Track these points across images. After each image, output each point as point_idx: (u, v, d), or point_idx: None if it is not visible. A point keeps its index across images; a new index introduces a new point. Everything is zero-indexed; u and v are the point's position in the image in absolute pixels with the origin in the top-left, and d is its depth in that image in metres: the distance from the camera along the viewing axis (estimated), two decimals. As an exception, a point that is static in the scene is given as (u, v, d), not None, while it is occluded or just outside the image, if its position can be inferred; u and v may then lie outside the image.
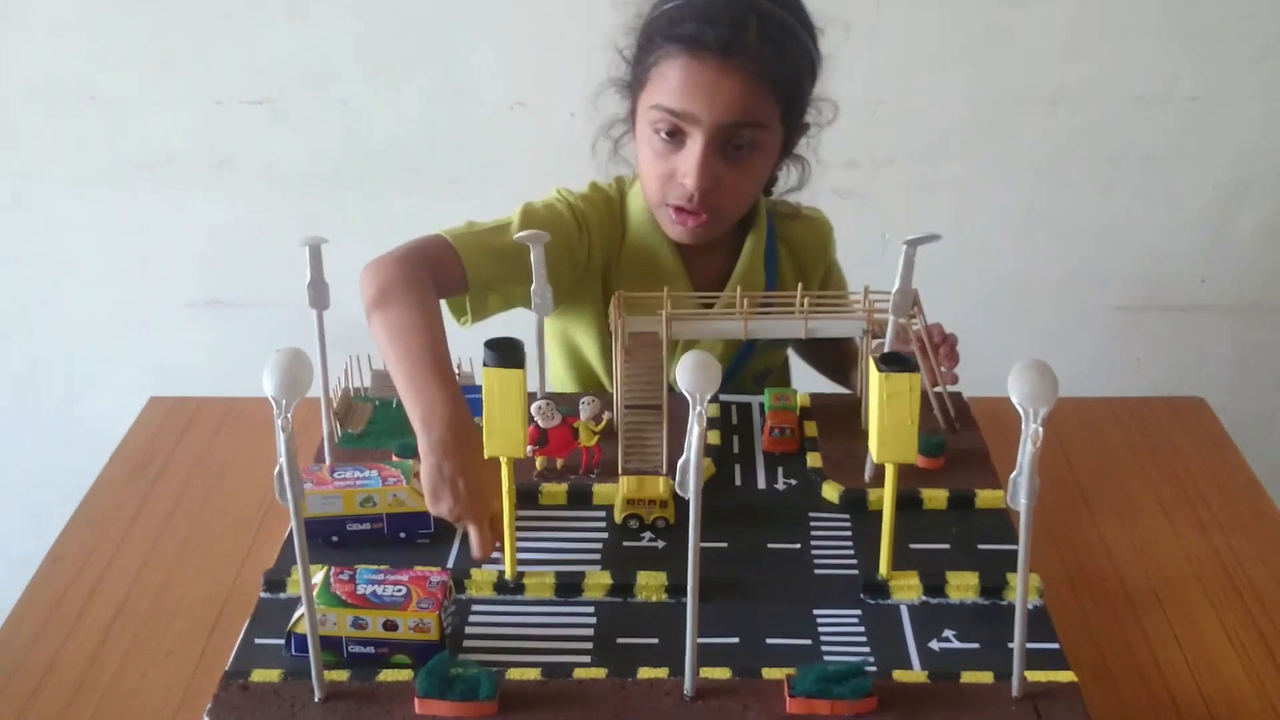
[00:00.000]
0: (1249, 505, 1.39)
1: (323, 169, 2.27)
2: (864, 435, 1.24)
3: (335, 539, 1.20)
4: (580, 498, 1.28)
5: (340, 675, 1.01)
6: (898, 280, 1.27)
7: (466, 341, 1.32)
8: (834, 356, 1.72)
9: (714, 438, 1.38)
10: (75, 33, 2.18)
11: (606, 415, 1.33)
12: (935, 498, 1.27)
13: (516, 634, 1.10)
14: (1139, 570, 1.27)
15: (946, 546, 1.21)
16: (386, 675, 1.01)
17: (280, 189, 2.29)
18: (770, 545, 1.22)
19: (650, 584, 1.14)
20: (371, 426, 1.39)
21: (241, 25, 2.17)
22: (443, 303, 1.38)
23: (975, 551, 1.20)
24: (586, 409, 1.31)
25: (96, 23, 2.17)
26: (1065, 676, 1.01)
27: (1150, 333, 2.46)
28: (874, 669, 1.03)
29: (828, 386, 1.73)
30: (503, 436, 1.07)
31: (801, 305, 1.34)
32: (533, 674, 1.01)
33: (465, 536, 1.22)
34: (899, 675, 1.02)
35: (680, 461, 0.91)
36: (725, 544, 1.21)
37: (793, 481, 1.32)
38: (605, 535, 1.23)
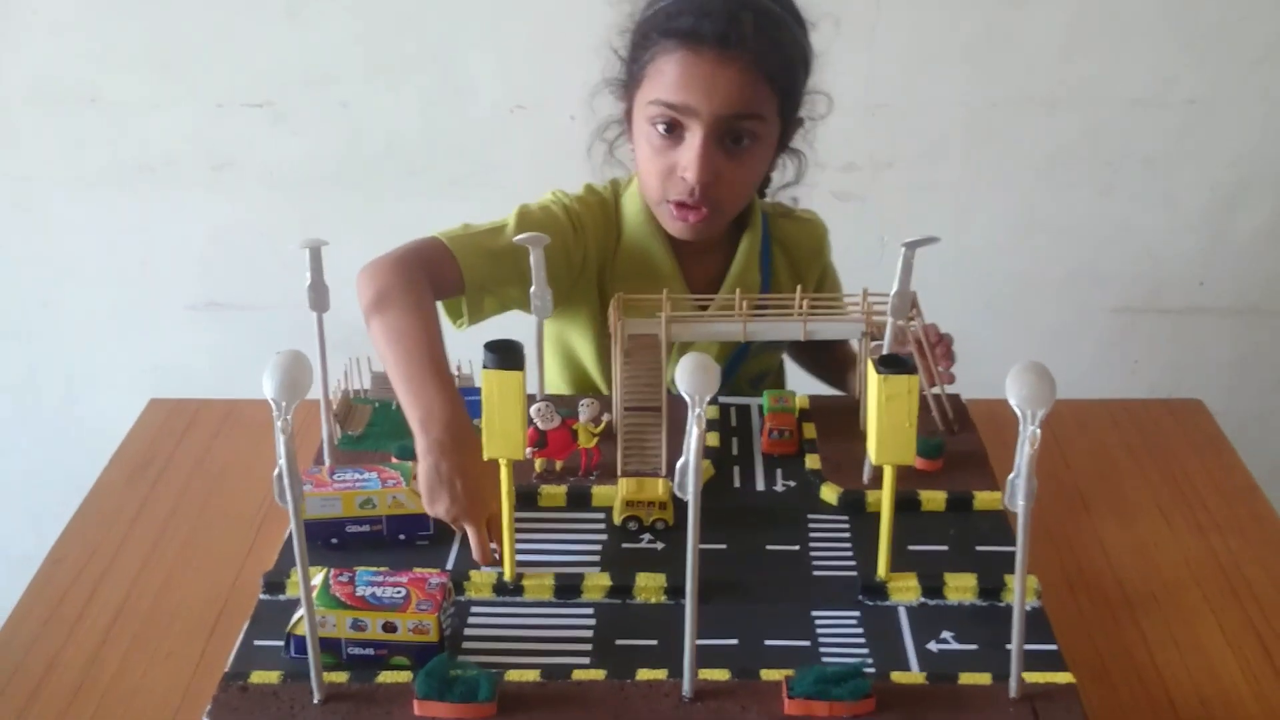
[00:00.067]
0: (1247, 507, 1.39)
1: (323, 171, 2.28)
2: (862, 437, 1.24)
3: (335, 541, 1.20)
4: (579, 499, 1.28)
5: (339, 677, 1.01)
6: (896, 282, 1.27)
7: (466, 344, 1.32)
8: (829, 361, 1.72)
9: (713, 440, 1.39)
10: (75, 34, 2.18)
11: (606, 417, 1.33)
12: (933, 499, 1.27)
13: (516, 635, 1.10)
14: (1137, 572, 1.27)
15: (945, 548, 1.21)
16: (386, 677, 1.01)
17: (280, 191, 2.29)
18: (769, 547, 1.22)
19: (649, 585, 1.14)
20: (371, 429, 1.39)
21: (242, 27, 2.17)
22: (439, 305, 1.39)
23: (973, 553, 1.20)
24: (586, 411, 1.31)
25: (97, 24, 2.17)
26: (1063, 678, 1.02)
27: (1149, 335, 2.46)
28: (872, 670, 1.03)
29: (825, 389, 1.74)
30: (502, 438, 1.07)
31: (800, 308, 1.35)
32: (532, 675, 1.01)
33: (465, 538, 1.22)
34: (897, 676, 1.02)
35: (679, 463, 0.92)
36: (724, 545, 1.22)
37: (791, 483, 1.32)
38: (604, 537, 1.23)
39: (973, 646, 1.08)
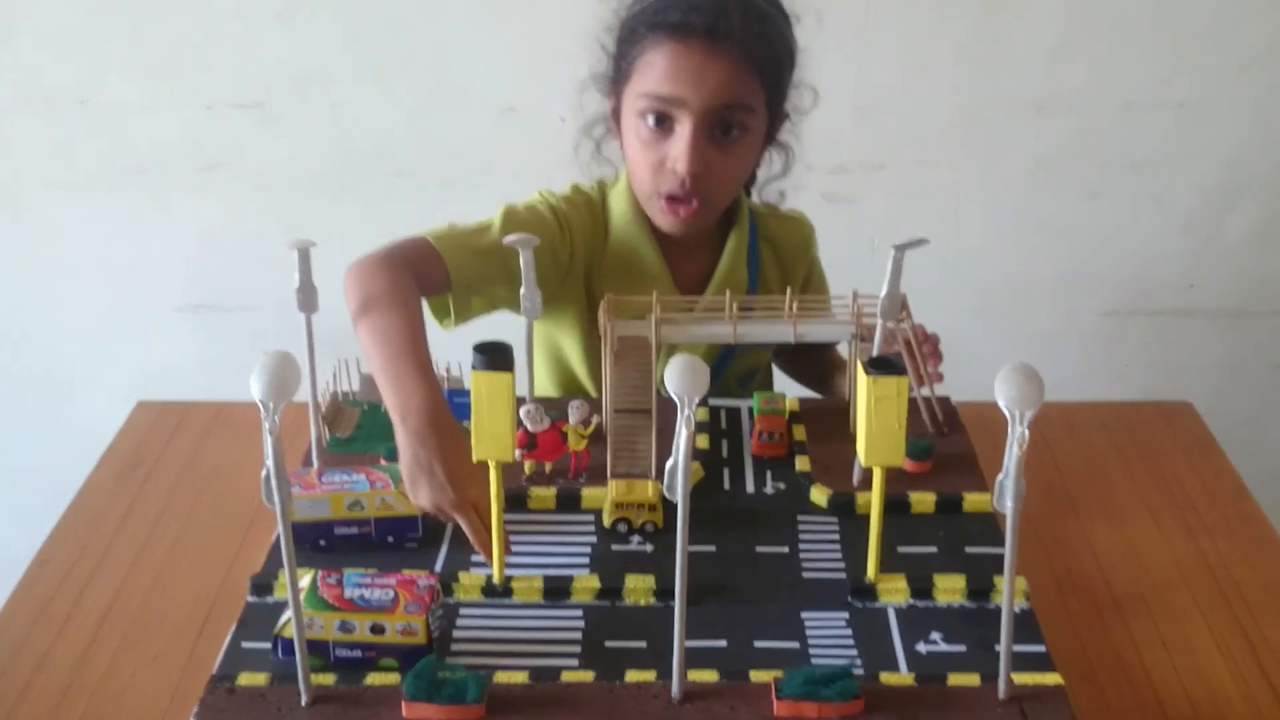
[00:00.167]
0: (1236, 509, 1.39)
1: (313, 173, 2.27)
2: (852, 439, 1.24)
3: (323, 543, 1.20)
4: (569, 502, 1.28)
5: (327, 679, 1.01)
6: (886, 284, 1.28)
7: (455, 345, 1.32)
8: (816, 367, 1.72)
9: (703, 442, 1.38)
10: (65, 36, 2.18)
11: (595, 419, 1.33)
12: (923, 501, 1.27)
13: (504, 637, 1.10)
14: (1126, 574, 1.28)
15: (934, 550, 1.21)
16: (374, 679, 1.01)
17: (270, 193, 2.29)
18: (759, 548, 1.22)
19: (639, 587, 1.14)
20: (359, 430, 1.39)
21: (231, 29, 2.17)
22: (425, 305, 1.39)
23: (962, 555, 1.20)
24: (575, 413, 1.31)
25: (86, 27, 2.17)
26: (1052, 679, 1.02)
27: (1139, 337, 2.46)
28: (861, 671, 1.03)
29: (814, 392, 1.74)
30: (491, 440, 1.07)
31: (790, 310, 1.35)
32: (520, 677, 1.01)
33: (454, 539, 1.22)
34: (886, 678, 1.02)
35: (668, 464, 0.91)
36: (714, 547, 1.21)
37: (781, 485, 1.32)
38: (594, 539, 1.23)
39: (961, 648, 1.08)
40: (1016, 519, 0.93)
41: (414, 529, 1.21)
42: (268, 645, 1.06)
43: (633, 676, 1.02)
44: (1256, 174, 2.32)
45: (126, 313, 2.40)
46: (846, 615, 1.12)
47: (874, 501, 1.09)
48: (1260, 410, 2.49)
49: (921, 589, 1.14)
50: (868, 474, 1.12)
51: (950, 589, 1.14)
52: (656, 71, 1.38)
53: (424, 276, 1.36)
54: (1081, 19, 2.19)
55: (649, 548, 1.22)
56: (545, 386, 1.65)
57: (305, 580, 1.06)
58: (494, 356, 1.06)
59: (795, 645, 1.09)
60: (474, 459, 1.08)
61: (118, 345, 2.43)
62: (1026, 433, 0.90)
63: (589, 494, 1.27)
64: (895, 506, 1.25)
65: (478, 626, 1.11)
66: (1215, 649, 1.17)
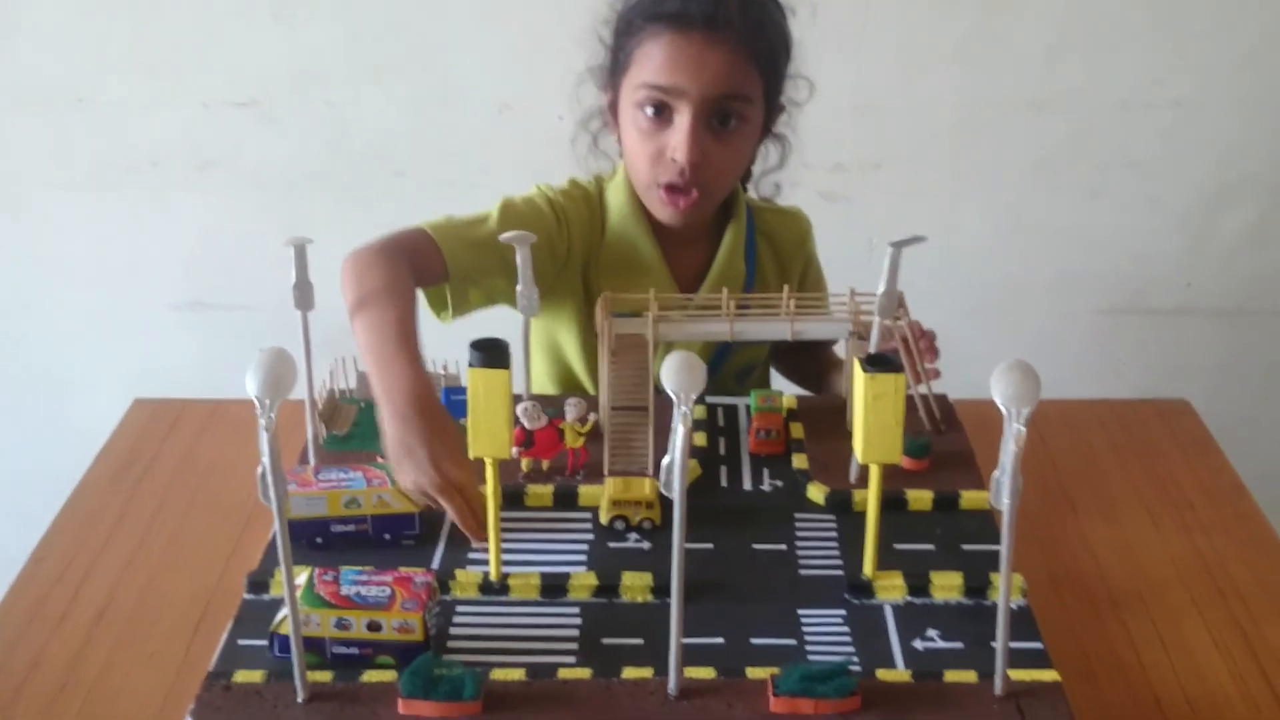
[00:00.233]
0: (1233, 507, 1.39)
1: (309, 171, 2.27)
2: (849, 437, 1.24)
3: (319, 540, 1.20)
4: (566, 499, 1.27)
5: (324, 676, 1.00)
6: (883, 282, 1.28)
7: (453, 343, 1.32)
8: (813, 366, 1.72)
9: (700, 439, 1.38)
10: (61, 35, 2.17)
11: (592, 417, 1.33)
12: (920, 499, 1.27)
13: (501, 635, 1.10)
14: (1123, 572, 1.28)
15: (931, 547, 1.21)
16: (370, 676, 1.01)
17: (267, 191, 2.29)
18: (756, 546, 1.22)
19: (636, 585, 1.14)
20: (356, 428, 1.39)
21: (228, 28, 2.17)
22: (422, 298, 1.41)
23: (959, 552, 1.20)
24: (572, 410, 1.31)
25: (83, 25, 2.16)
26: (1048, 676, 1.02)
27: (1135, 335, 2.47)
28: (858, 668, 1.03)
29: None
30: (488, 437, 1.07)
31: (787, 307, 1.35)
32: (517, 674, 1.01)
33: (451, 536, 1.22)
34: (883, 674, 1.02)
35: (665, 462, 0.91)
36: (711, 545, 1.21)
37: (778, 483, 1.32)
38: (591, 536, 1.23)
39: (958, 644, 1.08)
40: (1013, 516, 0.93)
41: (411, 526, 1.21)
42: (264, 642, 1.06)
43: (629, 673, 1.02)
44: (1253, 173, 2.32)
45: (123, 311, 2.40)
46: (843, 612, 1.12)
47: (871, 499, 1.09)
48: (1257, 408, 2.49)
49: (918, 586, 1.14)
50: (865, 471, 1.11)
51: (947, 586, 1.14)
52: (655, 62, 1.39)
53: (421, 267, 1.37)
54: (1079, 19, 2.19)
55: (646, 545, 1.22)
56: (543, 382, 1.65)
57: (302, 577, 1.06)
58: (491, 354, 1.05)
59: (792, 642, 1.08)
60: (470, 456, 1.08)
61: (115, 344, 2.43)
62: (1023, 430, 0.90)
63: (586, 491, 1.27)
64: (892, 504, 1.25)
65: (474, 624, 1.11)
66: (1212, 647, 1.17)
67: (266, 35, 2.17)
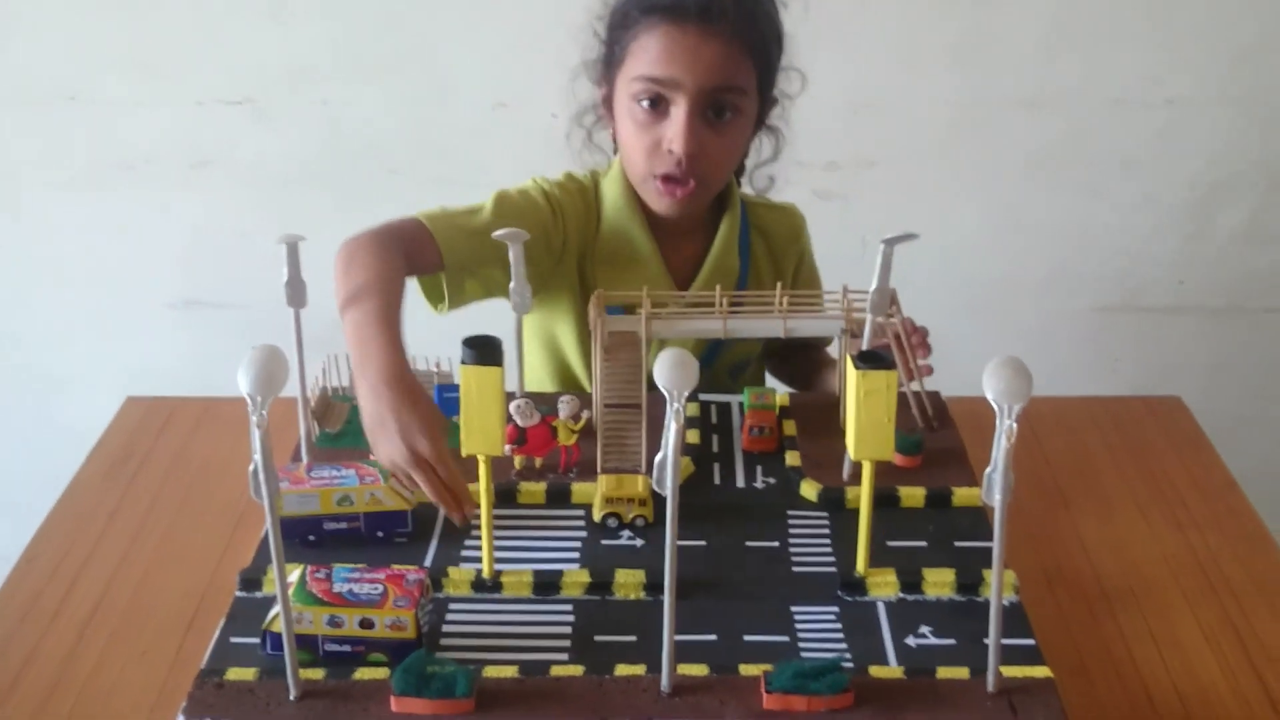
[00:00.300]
0: (1225, 504, 1.39)
1: (303, 170, 2.27)
2: (842, 434, 1.24)
3: (312, 538, 1.19)
4: (559, 496, 1.27)
5: (316, 674, 1.00)
6: (875, 279, 1.28)
7: (446, 341, 1.32)
8: (806, 367, 1.72)
9: (693, 436, 1.38)
10: (55, 33, 2.17)
11: (585, 414, 1.33)
12: (913, 496, 1.27)
13: (494, 632, 1.10)
14: (1116, 568, 1.28)
15: (923, 544, 1.21)
16: (363, 673, 1.01)
17: (260, 189, 2.28)
18: (749, 543, 1.22)
19: (629, 582, 1.14)
20: (349, 426, 1.39)
21: (222, 26, 2.16)
22: (418, 289, 1.43)
23: (952, 549, 1.20)
24: (565, 408, 1.31)
25: (76, 23, 2.16)
26: (1041, 672, 1.02)
27: (1129, 333, 2.47)
28: (850, 665, 1.03)
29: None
30: (480, 435, 1.07)
31: (780, 304, 1.35)
32: (510, 671, 1.01)
33: (443, 534, 1.22)
34: (875, 671, 1.02)
35: (658, 459, 0.91)
36: (704, 542, 1.21)
37: (771, 480, 1.32)
38: (584, 534, 1.23)
39: (950, 641, 1.08)
40: (1005, 512, 0.93)
41: (403, 524, 1.21)
42: (256, 640, 1.06)
43: (622, 671, 1.01)
44: (1246, 171, 2.32)
45: (117, 309, 2.40)
46: (836, 609, 1.12)
47: (863, 495, 1.10)
48: (1249, 405, 2.49)
49: (911, 583, 1.14)
50: (857, 468, 1.11)
51: (940, 583, 1.14)
52: (651, 54, 1.40)
53: (414, 255, 1.37)
54: (1072, 16, 2.19)
55: (639, 542, 1.22)
56: (541, 378, 1.66)
57: (294, 575, 1.06)
58: (483, 351, 1.05)
59: (785, 639, 1.09)
60: (463, 454, 1.08)
61: (108, 341, 2.42)
62: (1015, 426, 0.90)
63: (579, 489, 1.27)
64: (885, 501, 1.26)
65: (467, 621, 1.11)
66: (1204, 643, 1.17)
67: (261, 33, 2.17)
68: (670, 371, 0.91)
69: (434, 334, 1.38)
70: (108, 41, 2.18)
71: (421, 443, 1.15)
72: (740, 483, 1.32)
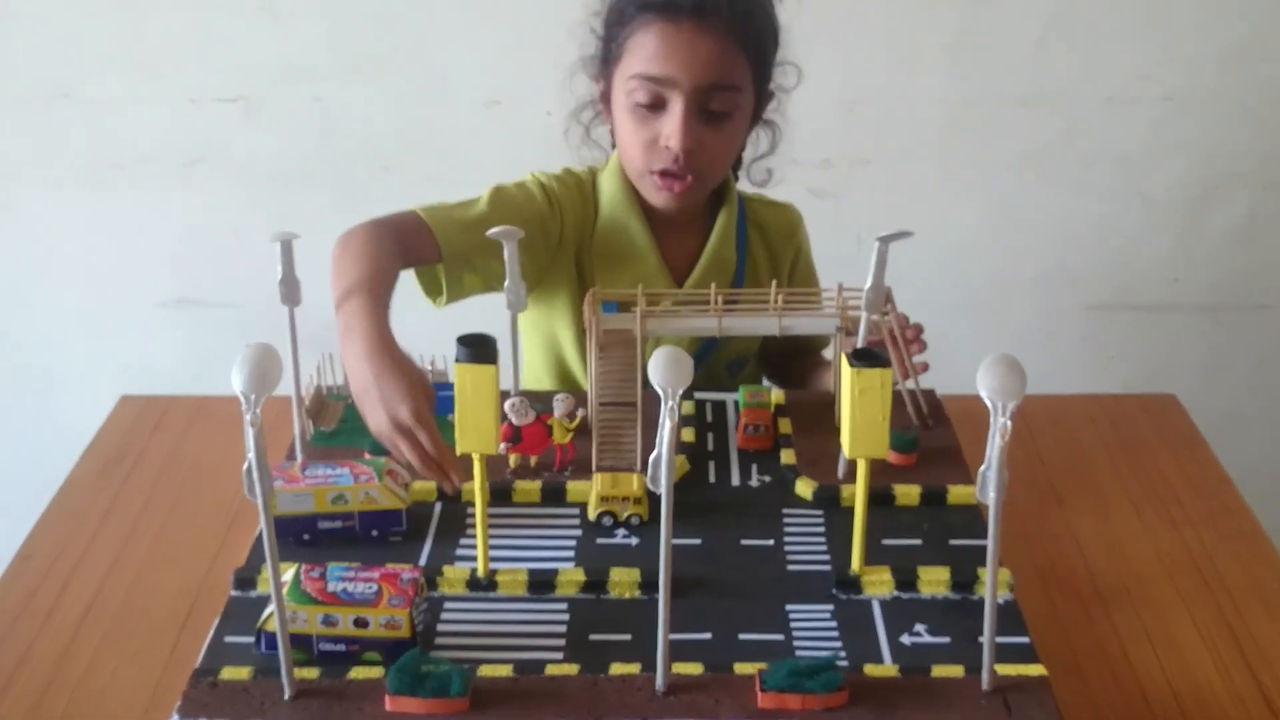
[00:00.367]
0: (1219, 501, 1.40)
1: (296, 167, 2.27)
2: (837, 432, 1.24)
3: (306, 537, 1.19)
4: (554, 495, 1.27)
5: (310, 673, 1.00)
6: (870, 277, 1.28)
7: (441, 340, 1.32)
8: (799, 370, 1.72)
9: (688, 435, 1.38)
10: (48, 31, 2.16)
11: (580, 412, 1.33)
12: (908, 494, 1.27)
13: (489, 631, 1.10)
14: (1110, 566, 1.28)
15: (918, 542, 1.21)
16: (357, 672, 1.00)
17: (254, 187, 2.28)
18: (744, 541, 1.22)
19: (624, 580, 1.14)
20: (344, 424, 1.39)
21: (215, 22, 2.16)
22: (416, 281, 1.44)
23: (947, 547, 1.20)
24: (560, 406, 1.31)
25: (69, 21, 2.15)
26: (1035, 670, 1.02)
27: (1123, 331, 2.47)
28: (845, 663, 1.03)
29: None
30: (475, 433, 1.06)
31: (775, 302, 1.34)
32: (505, 670, 1.01)
33: (439, 533, 1.22)
34: (870, 669, 1.02)
35: (652, 457, 0.91)
36: (699, 540, 1.21)
37: (766, 478, 1.32)
38: (579, 532, 1.23)
39: (945, 639, 1.08)
40: (999, 510, 0.93)
41: (398, 522, 1.21)
42: (251, 639, 1.06)
43: (617, 669, 1.01)
44: (1239, 168, 2.32)
45: (110, 308, 2.39)
46: (831, 608, 1.12)
47: (858, 493, 1.10)
48: (1244, 403, 2.50)
49: (906, 581, 1.14)
50: (853, 466, 1.12)
51: (934, 581, 1.14)
52: (647, 52, 1.41)
53: (411, 246, 1.38)
54: (1066, 14, 2.19)
55: (634, 541, 1.22)
56: (540, 375, 1.67)
57: (288, 574, 1.06)
58: (478, 349, 1.05)
59: (780, 638, 1.08)
60: (458, 452, 1.08)
61: (102, 340, 2.42)
62: (1009, 423, 0.90)
63: (574, 487, 1.27)
64: (880, 499, 1.25)
65: (462, 620, 1.11)
66: (1199, 640, 1.17)
67: (254, 31, 2.16)
68: (664, 370, 0.91)
69: (429, 333, 1.38)
70: (100, 39, 2.17)
71: (402, 410, 1.15)
72: (735, 481, 1.32)
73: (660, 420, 0.90)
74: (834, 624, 1.10)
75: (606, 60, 1.48)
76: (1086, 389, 1.65)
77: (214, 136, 2.25)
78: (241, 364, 0.89)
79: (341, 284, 1.27)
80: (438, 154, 2.25)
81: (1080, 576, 1.26)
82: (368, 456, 1.28)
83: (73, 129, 2.24)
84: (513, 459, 1.30)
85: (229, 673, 1.00)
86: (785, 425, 1.40)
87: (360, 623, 1.03)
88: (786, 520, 1.25)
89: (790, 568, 1.18)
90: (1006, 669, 1.01)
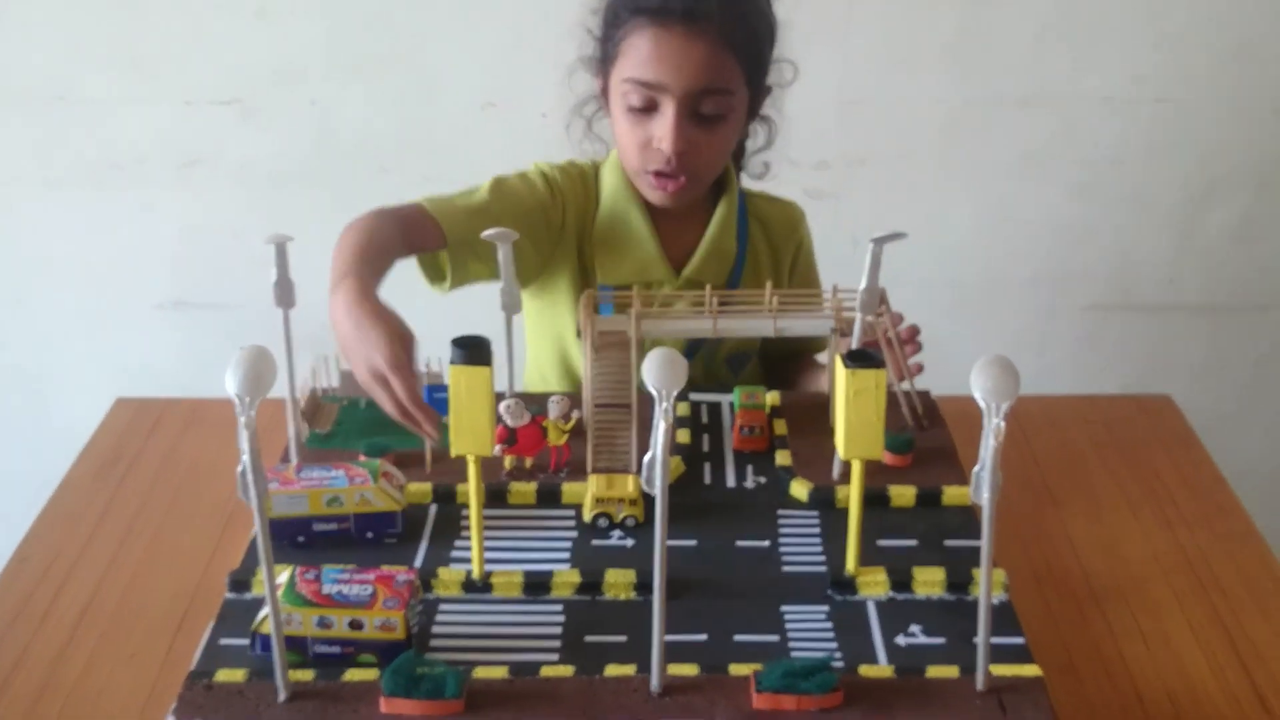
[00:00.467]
0: (1214, 502, 1.40)
1: (292, 169, 2.27)
2: (833, 433, 1.24)
3: (301, 539, 1.19)
4: (549, 497, 1.27)
5: (305, 675, 1.00)
6: (864, 278, 1.28)
7: (436, 341, 1.32)
8: (794, 373, 1.72)
9: (684, 436, 1.39)
10: (44, 32, 2.16)
11: (575, 414, 1.33)
12: (903, 495, 1.27)
13: (484, 633, 1.10)
14: (1105, 566, 1.28)
15: (914, 543, 1.21)
16: (352, 675, 1.00)
17: (250, 189, 2.28)
18: (739, 543, 1.22)
19: (619, 582, 1.14)
20: (339, 427, 1.39)
21: (211, 25, 2.16)
22: (419, 269, 1.46)
23: (942, 548, 1.21)
24: (555, 407, 1.31)
25: (65, 22, 2.15)
26: (1030, 670, 1.02)
27: (1119, 332, 2.47)
28: (840, 664, 1.03)
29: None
30: (470, 435, 1.06)
31: (770, 304, 1.35)
32: (500, 672, 1.01)
33: (434, 534, 1.22)
34: (865, 670, 1.02)
35: (647, 458, 0.91)
36: (694, 542, 1.21)
37: (762, 479, 1.32)
38: (574, 534, 1.23)
39: (940, 640, 1.08)
40: (993, 511, 0.93)
41: (393, 525, 1.20)
42: (246, 641, 1.06)
43: (612, 671, 1.01)
44: (1236, 169, 2.33)
45: (106, 310, 2.39)
46: (826, 608, 1.12)
47: (853, 494, 1.10)
48: (1239, 404, 2.50)
49: (901, 582, 1.14)
50: (848, 468, 1.12)
51: (929, 582, 1.14)
52: (639, 56, 1.42)
53: (414, 233, 1.41)
54: (1064, 14, 2.19)
55: (629, 542, 1.22)
56: (545, 368, 1.68)
57: (283, 576, 1.06)
58: (472, 351, 1.05)
59: (775, 639, 1.09)
60: (453, 454, 1.08)
61: (97, 343, 2.42)
62: (1002, 424, 0.91)
63: (569, 489, 1.27)
64: (875, 500, 1.26)
65: (457, 622, 1.11)
66: (1193, 641, 1.17)
67: (249, 33, 2.16)
68: (659, 371, 0.91)
69: (424, 335, 1.38)
70: (96, 41, 2.17)
71: (377, 357, 1.17)
72: (731, 482, 1.32)
73: (654, 422, 0.90)
74: (829, 625, 1.10)
75: (604, 60, 1.49)
76: (1083, 389, 1.65)
77: (209, 138, 2.25)
78: (235, 366, 0.89)
79: (337, 260, 1.29)
80: (434, 155, 2.24)
81: (1075, 577, 1.26)
82: (363, 459, 1.28)
83: (69, 130, 2.24)
84: (508, 461, 1.30)
85: (224, 675, 1.00)
86: (780, 427, 1.40)
87: (355, 625, 1.03)
88: (782, 521, 1.25)
89: (785, 569, 1.18)
90: (1001, 669, 1.01)
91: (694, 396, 1.48)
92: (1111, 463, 1.47)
